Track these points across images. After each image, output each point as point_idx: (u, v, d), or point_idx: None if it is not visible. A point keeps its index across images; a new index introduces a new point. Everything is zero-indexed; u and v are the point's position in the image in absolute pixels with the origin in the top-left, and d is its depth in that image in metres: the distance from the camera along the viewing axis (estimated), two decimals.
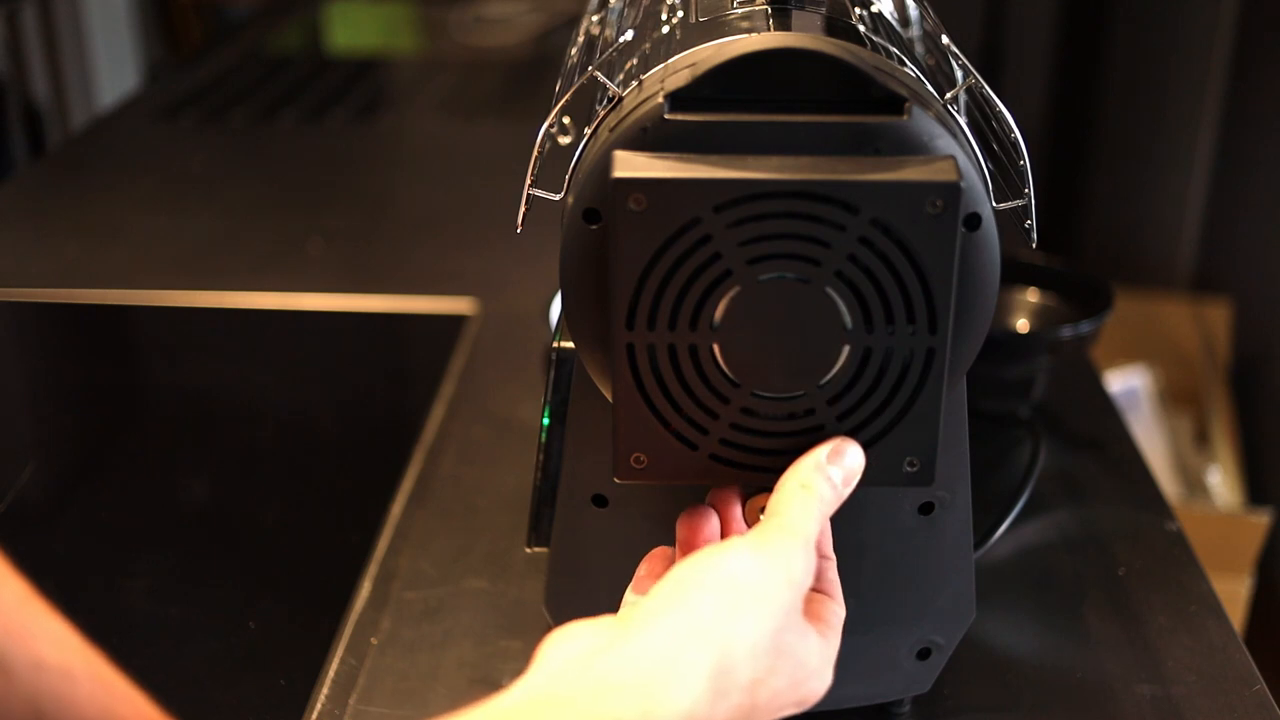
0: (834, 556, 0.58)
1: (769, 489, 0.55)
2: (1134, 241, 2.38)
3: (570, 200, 0.57)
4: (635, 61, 0.62)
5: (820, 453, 0.55)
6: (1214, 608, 0.81)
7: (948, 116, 0.56)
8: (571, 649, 0.49)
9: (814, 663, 0.51)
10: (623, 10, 0.74)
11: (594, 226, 0.55)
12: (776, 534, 0.51)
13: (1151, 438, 1.81)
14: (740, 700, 0.47)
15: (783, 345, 0.53)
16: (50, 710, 0.51)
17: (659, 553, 0.59)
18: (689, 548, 0.57)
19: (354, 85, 1.90)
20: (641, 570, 0.58)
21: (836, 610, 0.55)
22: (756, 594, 0.49)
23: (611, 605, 0.66)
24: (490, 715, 0.45)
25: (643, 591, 0.56)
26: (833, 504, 0.54)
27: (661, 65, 0.58)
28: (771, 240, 0.52)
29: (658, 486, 0.64)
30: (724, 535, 0.58)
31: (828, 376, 0.54)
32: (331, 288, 1.26)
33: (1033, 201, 0.59)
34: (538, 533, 0.70)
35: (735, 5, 0.62)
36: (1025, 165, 0.59)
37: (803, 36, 0.55)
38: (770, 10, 0.60)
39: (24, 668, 0.51)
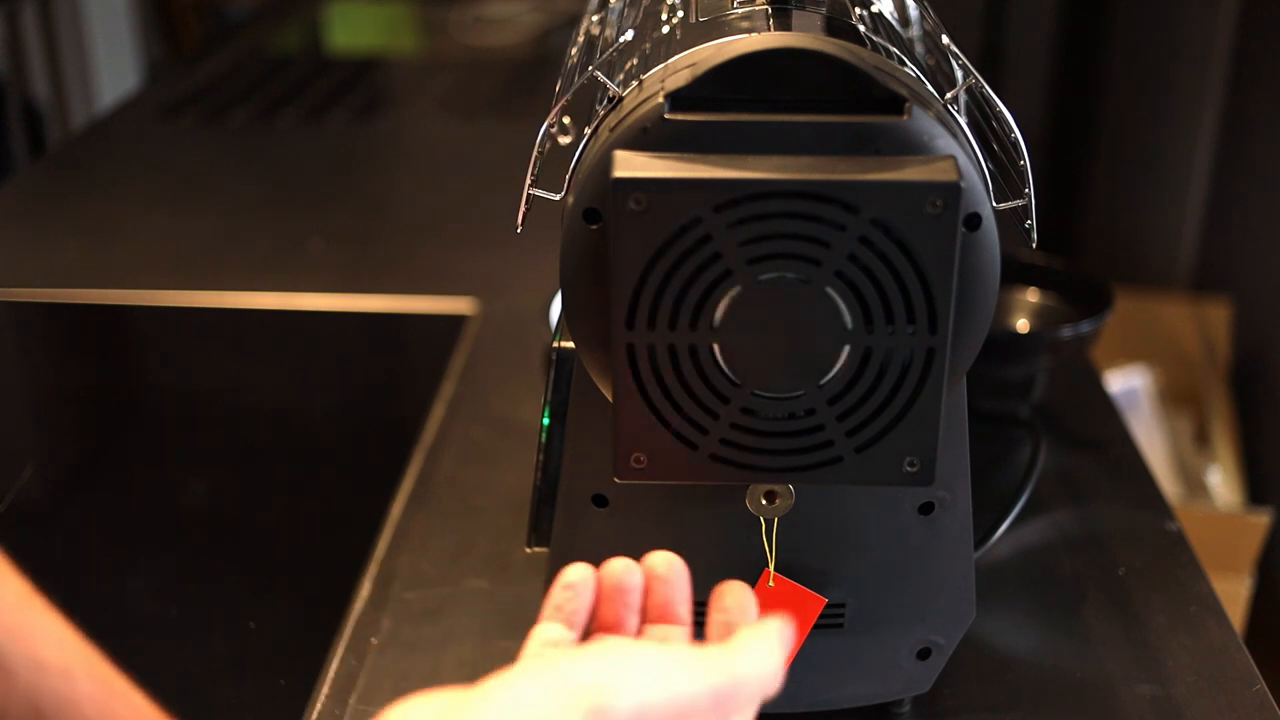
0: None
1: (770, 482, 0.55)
2: (1134, 241, 2.38)
3: (570, 200, 0.57)
4: (635, 61, 0.62)
5: (778, 623, 0.48)
6: (1214, 608, 0.81)
7: (948, 116, 0.56)
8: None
9: None
10: (623, 10, 0.74)
11: (594, 226, 0.55)
12: (707, 661, 0.45)
13: (1151, 438, 1.81)
14: None
15: (783, 345, 0.53)
16: (50, 710, 0.51)
17: (575, 584, 0.52)
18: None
19: (354, 85, 1.90)
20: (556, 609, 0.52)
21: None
22: (638, 701, 0.42)
23: None
24: None
25: (541, 647, 0.51)
26: (776, 685, 0.47)
27: (661, 65, 0.58)
28: (771, 240, 0.52)
29: (658, 486, 0.64)
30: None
31: (828, 376, 0.54)
32: (331, 288, 1.26)
33: (1033, 201, 0.59)
34: (538, 533, 0.70)
35: (735, 5, 0.62)
36: (1025, 165, 0.59)
37: (803, 36, 0.55)
38: (770, 10, 0.60)
39: (24, 667, 0.51)
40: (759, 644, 0.47)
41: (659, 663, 0.44)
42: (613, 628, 0.52)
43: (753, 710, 0.47)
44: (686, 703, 0.43)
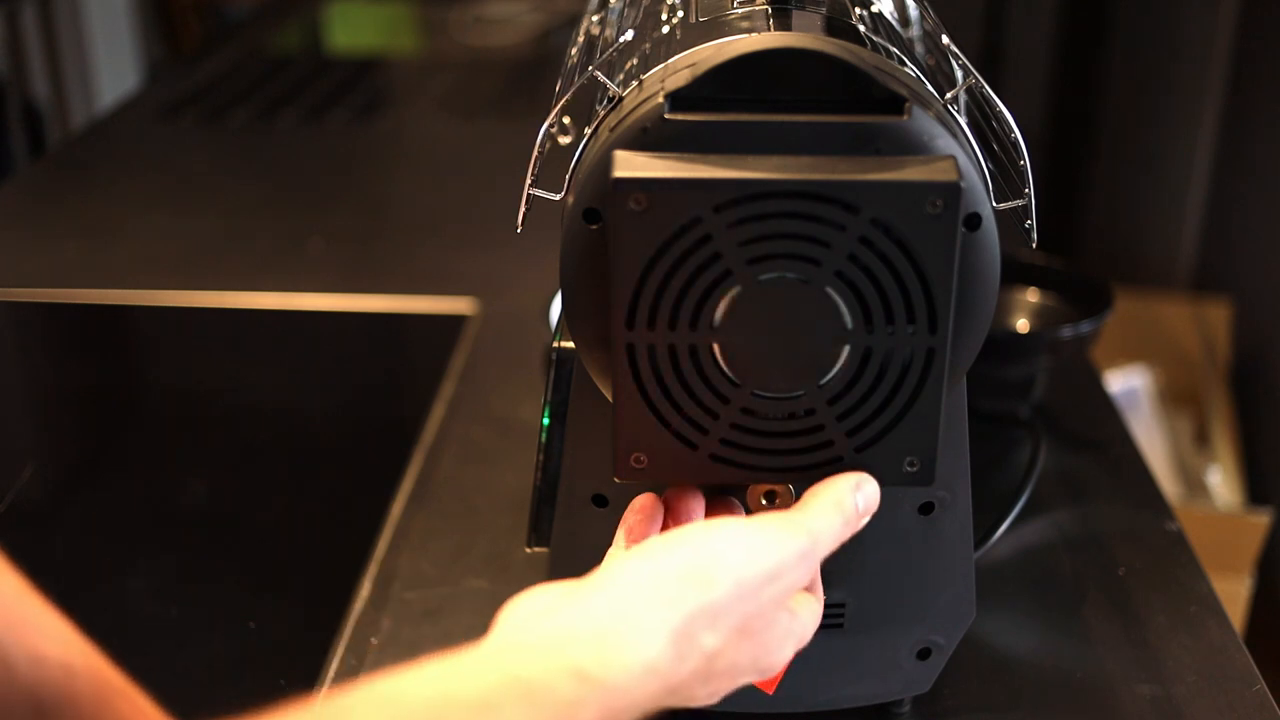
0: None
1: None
2: (1134, 241, 2.38)
3: (570, 200, 0.57)
4: (635, 61, 0.62)
5: (852, 478, 0.55)
6: (1214, 608, 0.81)
7: (948, 116, 0.56)
8: (534, 604, 0.49)
9: (775, 645, 0.52)
10: (623, 10, 0.74)
11: (594, 226, 0.55)
12: (786, 527, 0.51)
13: (1151, 438, 1.81)
14: (698, 666, 0.48)
15: (783, 345, 0.53)
16: (50, 705, 0.51)
17: (645, 508, 0.58)
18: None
19: (354, 85, 1.90)
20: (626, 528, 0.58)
21: (812, 603, 0.55)
22: (737, 574, 0.49)
23: None
24: (452, 665, 0.45)
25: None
26: (850, 531, 0.54)
27: (661, 65, 0.58)
28: (772, 240, 0.52)
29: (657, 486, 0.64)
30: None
31: (828, 376, 0.54)
32: (331, 288, 1.26)
33: (1033, 201, 0.59)
34: (538, 533, 0.70)
35: (735, 5, 0.62)
36: (1025, 165, 0.59)
37: (803, 36, 0.55)
38: (770, 10, 0.60)
39: (24, 662, 0.51)
40: (828, 499, 0.54)
41: (747, 539, 0.50)
42: None
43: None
44: (776, 567, 0.50)
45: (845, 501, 0.54)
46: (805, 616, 0.54)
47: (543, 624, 0.47)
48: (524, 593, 0.50)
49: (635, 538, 0.56)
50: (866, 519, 0.55)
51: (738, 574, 0.49)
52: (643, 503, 0.58)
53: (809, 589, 0.56)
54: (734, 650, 0.49)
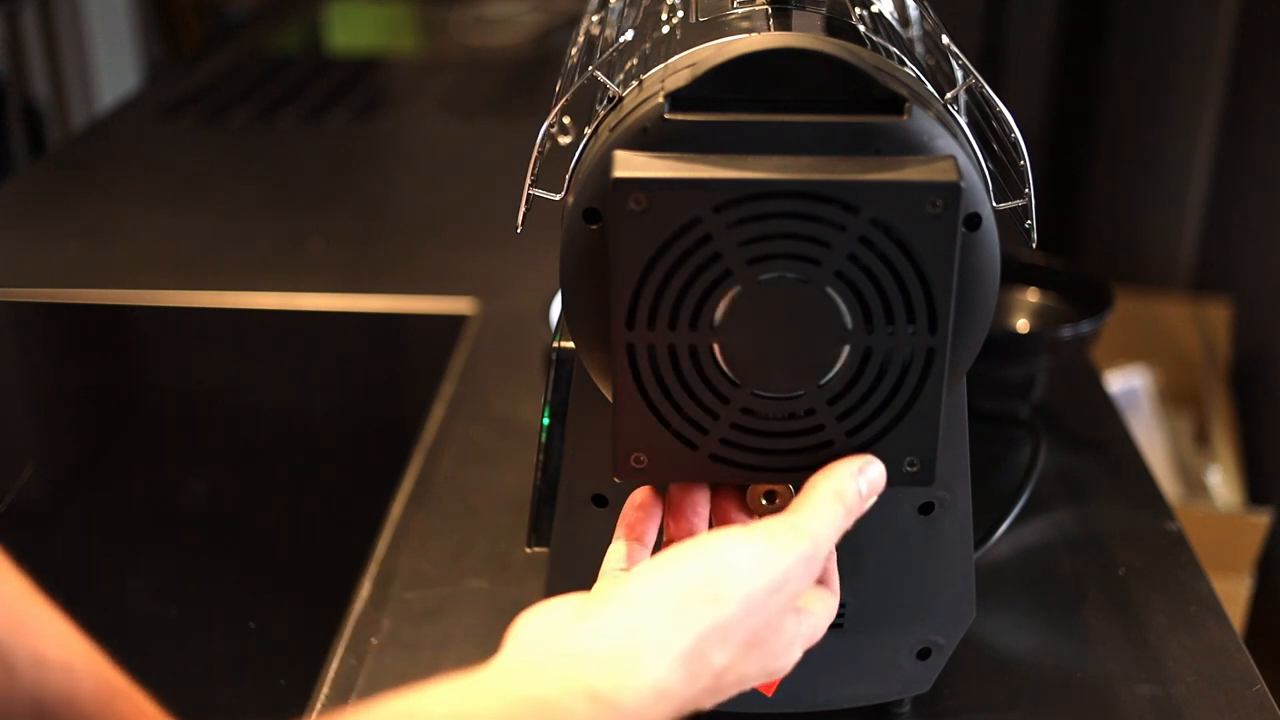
0: (833, 550, 0.58)
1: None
2: (1134, 241, 2.38)
3: (570, 200, 0.57)
4: (635, 61, 0.62)
5: (854, 464, 0.55)
6: (1214, 608, 0.81)
7: (948, 116, 0.56)
8: (546, 620, 0.49)
9: (782, 650, 0.52)
10: (623, 10, 0.74)
11: (594, 226, 0.55)
12: (788, 533, 0.51)
13: (1151, 438, 1.81)
14: (708, 684, 0.48)
15: (783, 345, 0.53)
16: (52, 706, 0.51)
17: (645, 504, 0.58)
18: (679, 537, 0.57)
19: (354, 85, 1.90)
20: (625, 529, 0.57)
21: (826, 598, 0.55)
22: (745, 589, 0.49)
23: None
24: (467, 684, 0.45)
25: (623, 560, 0.56)
26: (853, 518, 0.54)
27: (662, 65, 0.58)
28: (772, 240, 0.52)
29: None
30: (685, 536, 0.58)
31: (828, 376, 0.54)
32: (331, 288, 1.26)
33: (1033, 201, 0.59)
34: (538, 533, 0.70)
35: (735, 5, 0.62)
36: (1025, 165, 0.59)
37: (803, 36, 0.55)
38: (770, 10, 0.60)
39: (26, 664, 0.51)
40: (828, 490, 0.53)
41: (752, 550, 0.50)
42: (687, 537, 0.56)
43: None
44: (781, 577, 0.50)
45: (846, 490, 0.54)
46: (815, 614, 0.54)
47: (556, 642, 0.47)
48: (535, 607, 0.50)
49: (635, 534, 0.56)
50: (872, 500, 0.55)
51: (746, 589, 0.49)
52: (642, 498, 0.58)
53: (822, 582, 0.56)
54: (742, 663, 0.49)
